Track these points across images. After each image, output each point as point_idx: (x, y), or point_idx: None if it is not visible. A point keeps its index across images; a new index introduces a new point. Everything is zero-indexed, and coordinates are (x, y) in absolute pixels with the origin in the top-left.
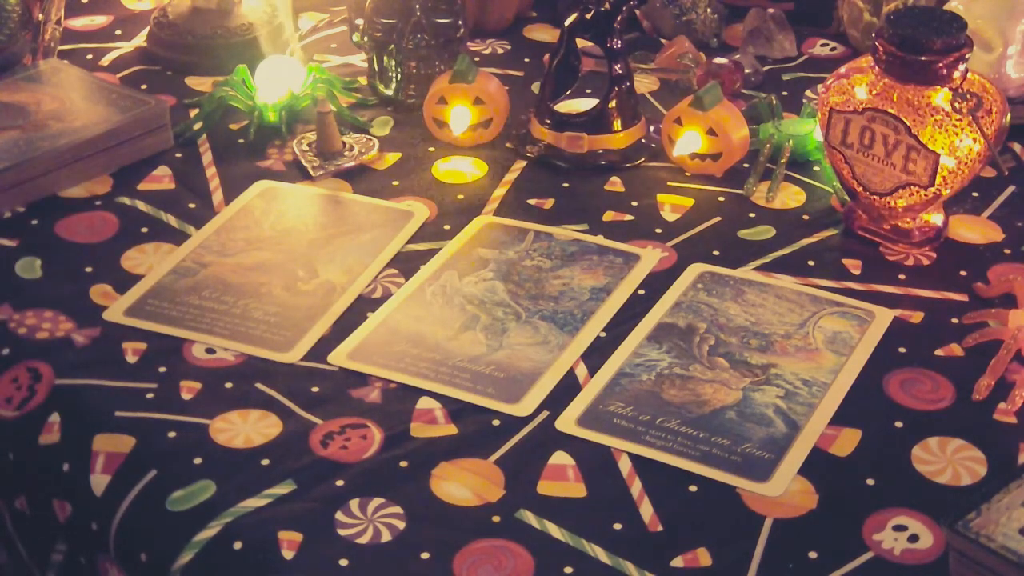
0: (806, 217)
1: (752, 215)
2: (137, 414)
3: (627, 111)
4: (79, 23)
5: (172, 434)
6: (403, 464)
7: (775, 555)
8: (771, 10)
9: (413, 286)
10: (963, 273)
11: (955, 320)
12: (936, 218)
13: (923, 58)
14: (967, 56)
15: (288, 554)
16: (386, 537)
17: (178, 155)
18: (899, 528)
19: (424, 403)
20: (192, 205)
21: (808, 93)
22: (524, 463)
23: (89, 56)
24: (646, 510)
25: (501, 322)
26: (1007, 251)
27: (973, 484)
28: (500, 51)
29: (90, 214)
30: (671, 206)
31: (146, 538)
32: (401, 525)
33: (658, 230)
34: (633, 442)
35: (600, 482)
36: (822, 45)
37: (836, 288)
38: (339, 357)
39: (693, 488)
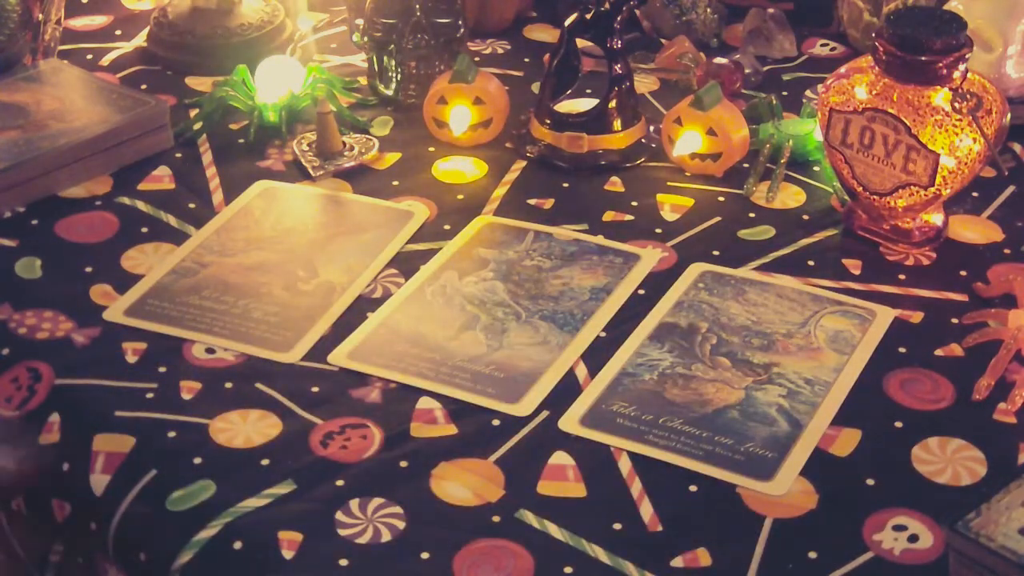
0: (806, 217)
1: (752, 215)
2: (137, 414)
3: (627, 111)
4: (79, 23)
5: (172, 434)
6: (403, 464)
7: (775, 555)
8: (771, 10)
9: (413, 286)
10: (963, 273)
11: (955, 320)
12: (936, 218)
13: (923, 58)
14: (967, 56)
15: (288, 554)
16: (386, 537)
17: (178, 155)
18: (899, 528)
19: (424, 403)
20: (192, 205)
21: (808, 93)
22: (524, 463)
23: (89, 56)
24: (646, 510)
25: (501, 322)
26: (1007, 251)
27: (973, 484)
28: (500, 51)
29: (90, 214)
30: (671, 206)
31: (146, 538)
32: (401, 525)
33: (658, 230)
34: (636, 441)
35: (600, 482)
36: (822, 45)
37: (836, 288)
38: (339, 357)
39: (693, 488)
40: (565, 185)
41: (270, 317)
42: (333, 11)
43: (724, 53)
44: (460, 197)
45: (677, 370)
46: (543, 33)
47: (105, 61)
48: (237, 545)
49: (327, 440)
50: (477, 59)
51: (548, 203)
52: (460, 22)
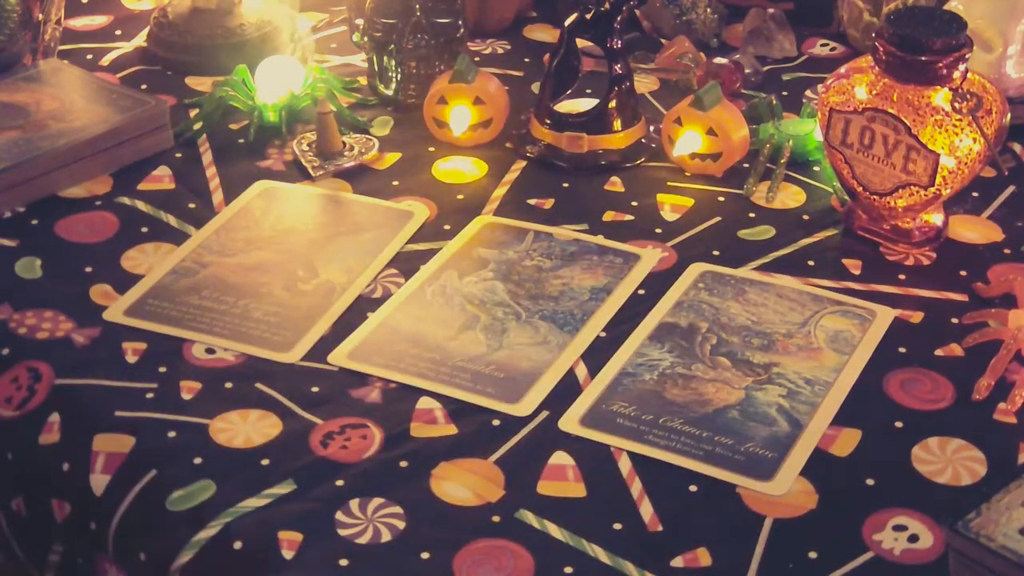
0: (806, 217)
1: (752, 215)
2: (137, 414)
3: (627, 111)
4: (79, 23)
5: (172, 434)
6: (403, 464)
7: (775, 555)
8: (771, 10)
9: (413, 286)
10: (963, 273)
11: (955, 320)
12: (936, 218)
13: (923, 58)
14: (967, 56)
15: (288, 554)
16: (386, 537)
17: (178, 155)
18: (899, 528)
19: (424, 403)
20: (192, 205)
21: (808, 93)
22: (524, 463)
23: (89, 56)
24: (646, 510)
25: (501, 322)
26: (1007, 251)
27: (973, 484)
28: (500, 51)
29: (90, 214)
30: (671, 206)
31: (146, 538)
32: (401, 525)
33: (658, 230)
34: (636, 441)
35: (600, 482)
36: (822, 45)
37: (836, 288)
38: (339, 357)
39: (693, 488)
40: (565, 185)
41: (270, 317)
42: (333, 11)
43: (724, 53)
44: (460, 197)
45: (677, 370)
46: (543, 33)
47: (105, 61)
48: (237, 545)
49: (327, 440)
50: (477, 59)
51: (548, 203)
52: (460, 22)
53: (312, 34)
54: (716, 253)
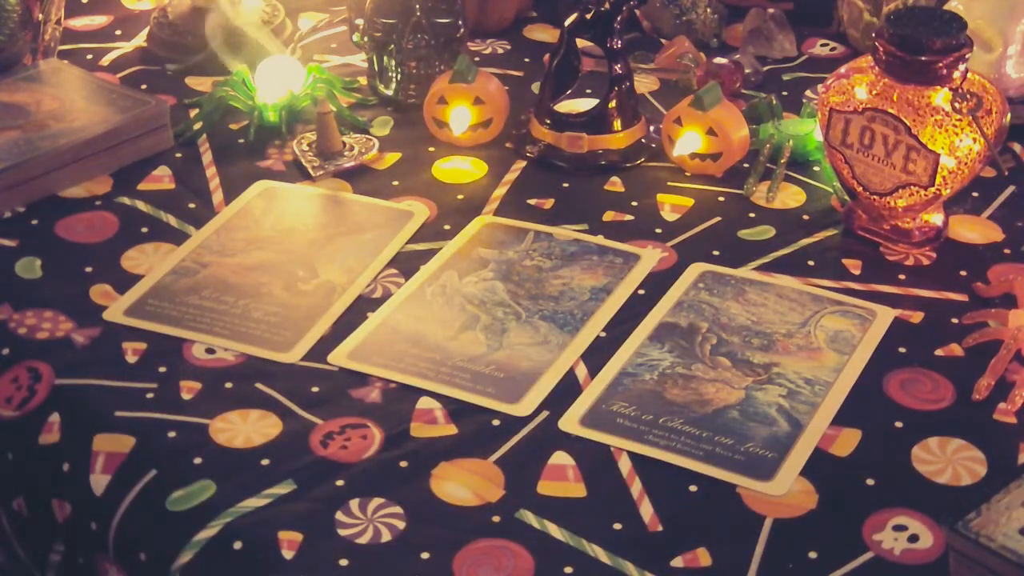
0: (806, 217)
1: (752, 215)
2: (137, 414)
3: (627, 111)
4: (79, 23)
5: (172, 434)
6: (403, 464)
7: (775, 555)
8: (771, 10)
9: (413, 286)
10: (963, 273)
11: (955, 320)
12: (936, 218)
13: (923, 58)
14: (967, 56)
15: (288, 554)
16: (386, 537)
17: (178, 155)
18: (899, 528)
19: (424, 403)
20: (192, 205)
21: (808, 93)
22: (524, 463)
23: (89, 56)
24: (646, 510)
25: (501, 322)
26: (1007, 251)
27: (973, 484)
28: (500, 51)
29: (90, 214)
30: (671, 206)
31: (146, 538)
32: (401, 525)
33: (658, 230)
34: (636, 441)
35: (600, 482)
36: (822, 45)
37: (836, 288)
38: (339, 357)
39: (693, 488)
40: (565, 185)
41: (270, 317)
42: (333, 11)
43: (724, 53)
44: (460, 197)
45: (677, 370)
46: (543, 33)
47: (105, 61)
48: (237, 545)
49: (327, 440)
50: (477, 59)
51: (548, 203)
52: (460, 22)
53: (312, 34)
54: (716, 253)
